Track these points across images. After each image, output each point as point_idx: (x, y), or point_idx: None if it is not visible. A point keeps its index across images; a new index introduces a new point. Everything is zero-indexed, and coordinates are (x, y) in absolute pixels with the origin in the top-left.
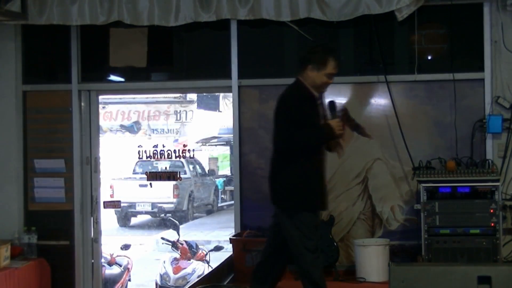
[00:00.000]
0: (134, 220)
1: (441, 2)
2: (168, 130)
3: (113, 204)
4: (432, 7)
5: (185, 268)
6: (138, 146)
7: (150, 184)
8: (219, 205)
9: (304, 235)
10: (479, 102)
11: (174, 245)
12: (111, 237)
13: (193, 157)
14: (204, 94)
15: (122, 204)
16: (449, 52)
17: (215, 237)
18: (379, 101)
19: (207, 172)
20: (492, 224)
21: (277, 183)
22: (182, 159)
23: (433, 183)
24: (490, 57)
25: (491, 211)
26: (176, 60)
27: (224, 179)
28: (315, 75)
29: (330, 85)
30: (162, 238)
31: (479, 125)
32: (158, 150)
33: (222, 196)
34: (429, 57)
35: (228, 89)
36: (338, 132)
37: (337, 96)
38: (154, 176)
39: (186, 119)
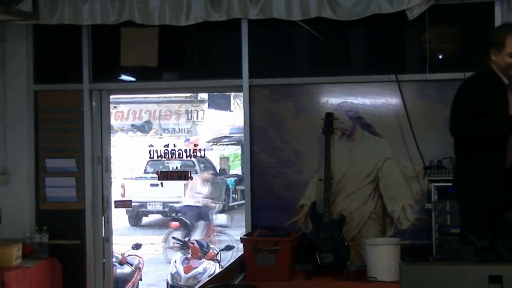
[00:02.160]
0: (145, 220)
1: (452, 1)
2: (179, 129)
3: (124, 204)
4: (443, 6)
5: (196, 268)
6: (149, 146)
7: (161, 183)
8: (230, 204)
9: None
10: None
11: (185, 244)
12: (122, 236)
13: (204, 157)
14: (215, 93)
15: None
16: (460, 51)
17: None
18: (390, 101)
19: (218, 171)
20: None
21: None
22: (193, 159)
23: (444, 183)
24: None
25: None
26: (187, 59)
27: (235, 178)
28: (498, 57)
29: (340, 84)
30: (173, 237)
31: None
32: (169, 150)
33: (233, 195)
34: (440, 56)
35: (239, 88)
36: None
37: (348, 96)
38: (165, 175)
39: (197, 119)
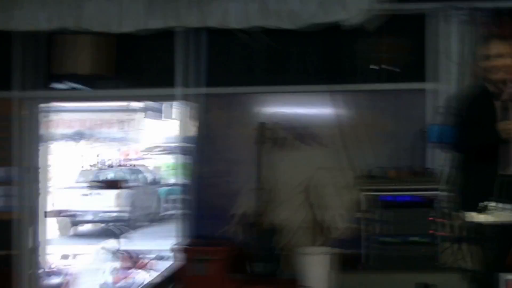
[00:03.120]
0: (77, 229)
1: (386, 12)
2: (112, 139)
3: (55, 214)
4: (379, 17)
5: (126, 278)
6: (82, 155)
7: (93, 193)
8: (163, 214)
9: None
10: (421, 112)
11: (116, 254)
12: (54, 246)
13: (137, 166)
14: (150, 102)
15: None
16: (393, 61)
17: (158, 246)
18: (323, 110)
19: (151, 181)
20: (432, 232)
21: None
22: (126, 168)
23: (374, 192)
24: (432, 67)
25: (431, 219)
26: (122, 68)
27: (169, 188)
28: (482, 64)
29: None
30: (103, 248)
31: (421, 134)
32: (102, 159)
33: (167, 205)
34: (374, 67)
35: (173, 97)
36: (505, 135)
37: (281, 105)
38: (97, 185)
39: (131, 128)
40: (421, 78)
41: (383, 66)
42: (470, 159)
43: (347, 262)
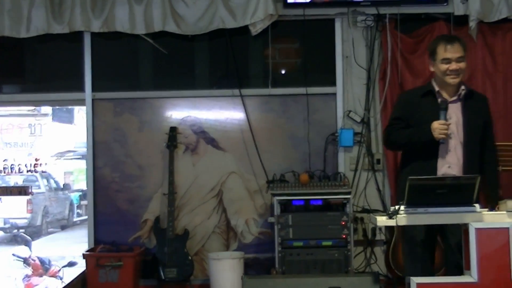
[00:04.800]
0: None
1: (295, 17)
2: (21, 144)
3: None
4: (286, 22)
5: (37, 285)
6: None
7: (2, 199)
8: (74, 220)
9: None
10: (331, 116)
11: (26, 261)
12: None
13: (47, 172)
14: (58, 107)
15: None
16: (302, 66)
17: (70, 252)
18: (234, 115)
19: (62, 186)
20: (344, 236)
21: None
22: (35, 173)
23: (286, 196)
24: (341, 72)
25: (343, 223)
26: (29, 72)
27: (80, 193)
28: (435, 67)
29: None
30: (13, 255)
31: (332, 138)
32: (9, 164)
33: (78, 210)
34: (283, 71)
35: (81, 102)
36: (437, 135)
37: (192, 110)
38: (5, 191)
39: (40, 133)
40: (330, 82)
41: (293, 70)
42: (407, 159)
43: (260, 267)
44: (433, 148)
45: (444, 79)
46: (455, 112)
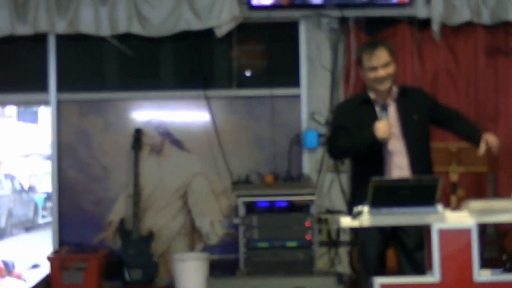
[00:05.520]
0: None
1: (259, 20)
2: None
3: None
4: (251, 25)
5: None
6: None
7: None
8: (39, 222)
9: None
10: (296, 118)
11: None
12: None
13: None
14: (23, 108)
15: None
16: (267, 68)
17: (34, 255)
18: (199, 116)
19: (26, 188)
20: (308, 237)
21: None
22: None
23: (251, 197)
24: (306, 74)
25: (307, 224)
26: None
27: (45, 195)
28: (363, 75)
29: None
30: None
31: (296, 140)
32: None
33: (43, 212)
34: (248, 73)
35: (46, 103)
36: (381, 134)
37: (157, 111)
38: None
39: (4, 134)
40: (295, 84)
41: (258, 72)
42: (356, 164)
43: (225, 268)
44: (378, 153)
45: (374, 86)
46: (392, 115)
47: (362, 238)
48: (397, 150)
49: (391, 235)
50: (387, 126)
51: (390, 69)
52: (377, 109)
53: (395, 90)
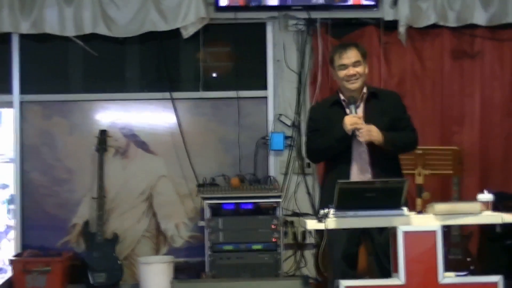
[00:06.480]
0: None
1: (226, 21)
2: None
3: None
4: (218, 26)
5: None
6: None
7: None
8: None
9: None
10: (262, 120)
11: None
12: None
13: None
14: None
15: None
16: (234, 70)
17: None
18: (165, 118)
19: None
20: (274, 240)
21: None
22: None
23: (217, 200)
24: (273, 75)
25: (273, 226)
26: None
27: (9, 198)
28: (335, 75)
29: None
30: None
31: (262, 142)
32: None
33: (7, 215)
34: (214, 75)
35: (9, 104)
36: (349, 127)
37: (122, 113)
38: None
39: None
40: (262, 86)
41: (224, 74)
42: (326, 167)
43: (190, 271)
44: (347, 154)
45: (344, 85)
46: (359, 116)
47: (328, 239)
48: (362, 152)
49: (363, 232)
50: (354, 118)
51: (360, 69)
52: (347, 110)
53: (365, 91)
